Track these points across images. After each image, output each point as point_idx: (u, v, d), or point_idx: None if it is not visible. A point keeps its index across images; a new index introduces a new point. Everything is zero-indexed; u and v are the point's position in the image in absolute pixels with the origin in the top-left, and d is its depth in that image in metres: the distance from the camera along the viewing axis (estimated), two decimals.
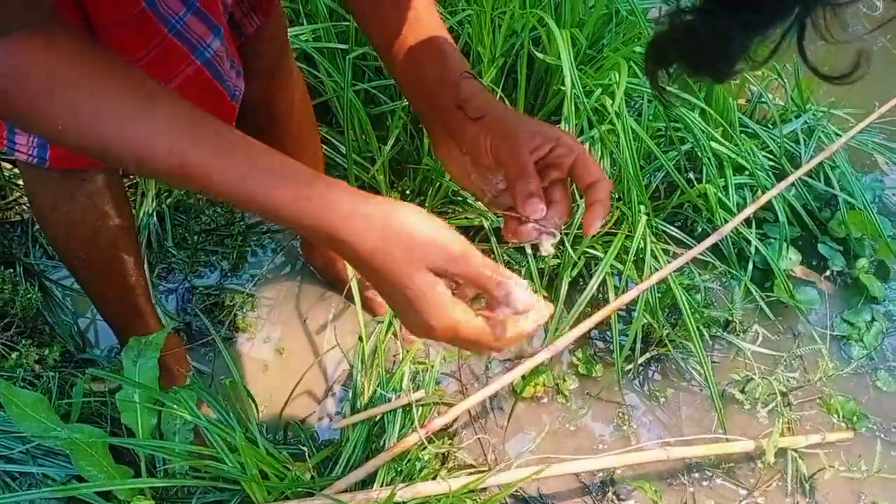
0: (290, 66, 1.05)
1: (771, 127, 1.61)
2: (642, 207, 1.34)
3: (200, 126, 0.51)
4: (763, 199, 1.43)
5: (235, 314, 1.34)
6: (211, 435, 0.99)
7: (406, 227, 0.52)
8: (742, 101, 1.72)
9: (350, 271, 1.27)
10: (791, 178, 1.49)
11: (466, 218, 1.38)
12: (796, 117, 1.64)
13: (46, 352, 1.09)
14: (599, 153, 1.30)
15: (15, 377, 1.06)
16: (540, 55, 1.28)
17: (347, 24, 1.28)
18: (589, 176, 0.61)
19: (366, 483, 1.04)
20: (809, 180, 1.57)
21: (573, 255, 1.31)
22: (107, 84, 0.50)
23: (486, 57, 1.34)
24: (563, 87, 1.24)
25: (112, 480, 0.94)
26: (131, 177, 1.39)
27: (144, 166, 0.52)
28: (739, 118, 1.55)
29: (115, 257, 0.95)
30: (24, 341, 1.10)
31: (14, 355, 1.08)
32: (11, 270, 1.22)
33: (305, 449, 1.07)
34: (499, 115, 0.61)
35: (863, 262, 1.54)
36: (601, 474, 1.25)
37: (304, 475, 1.02)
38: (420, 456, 1.09)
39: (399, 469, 1.06)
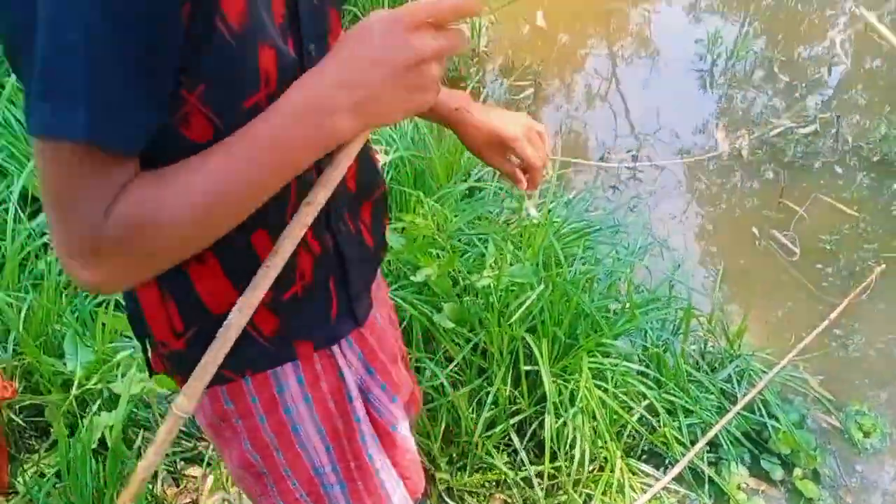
0: None
1: (711, 373, 2.21)
2: (618, 452, 1.93)
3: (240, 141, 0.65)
4: (709, 435, 2.00)
5: None
6: None
7: (373, 14, 0.66)
8: (691, 347, 2.33)
9: None
10: (729, 415, 2.07)
11: (502, 472, 1.97)
12: (730, 362, 2.25)
13: None
14: (581, 421, 1.91)
15: None
16: (527, 367, 1.94)
17: None
18: (529, 167, 1.09)
19: None
20: (745, 413, 2.14)
21: (574, 495, 1.89)
22: (184, 176, 0.64)
23: (496, 356, 2.01)
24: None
25: None
26: None
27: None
28: (686, 371, 2.16)
29: None
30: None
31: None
32: None
33: None
34: (476, 142, 1.07)
35: (798, 471, 2.06)
36: None
37: None
38: None
39: None
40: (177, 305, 0.81)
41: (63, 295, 2.00)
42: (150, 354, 0.92)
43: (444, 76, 0.70)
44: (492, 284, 1.98)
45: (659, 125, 3.32)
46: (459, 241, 2.24)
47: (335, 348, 0.94)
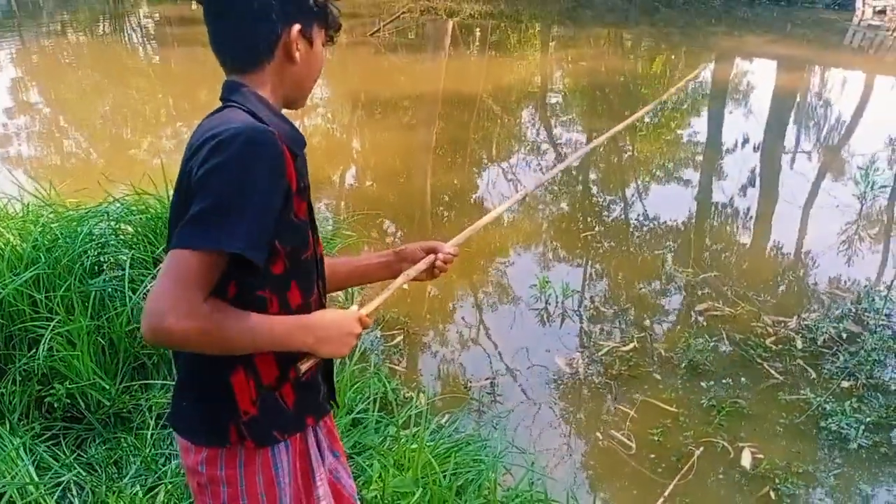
0: None
1: None
2: None
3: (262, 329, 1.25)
4: None
5: None
6: None
7: (335, 311, 1.36)
8: None
9: None
10: None
11: None
12: None
13: None
14: None
15: None
16: None
17: None
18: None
19: None
20: None
21: None
22: (235, 322, 1.20)
23: None
24: None
25: None
26: None
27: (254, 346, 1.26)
28: None
29: None
30: None
31: None
32: None
33: None
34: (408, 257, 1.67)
35: None
36: None
37: None
38: None
39: None
40: (254, 381, 1.32)
41: None
42: (229, 430, 1.33)
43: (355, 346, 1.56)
44: (378, 495, 2.33)
45: (509, 355, 3.94)
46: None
47: (310, 434, 1.43)
